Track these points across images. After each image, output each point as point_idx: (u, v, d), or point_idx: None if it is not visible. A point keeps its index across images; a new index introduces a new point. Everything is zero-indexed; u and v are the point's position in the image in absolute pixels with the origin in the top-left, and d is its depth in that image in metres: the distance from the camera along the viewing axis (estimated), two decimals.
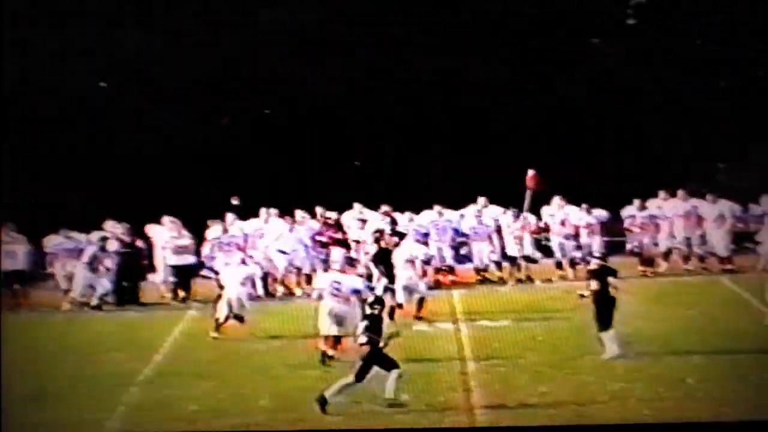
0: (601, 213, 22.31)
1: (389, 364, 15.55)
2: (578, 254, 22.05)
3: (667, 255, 22.29)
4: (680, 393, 15.51)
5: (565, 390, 15.84)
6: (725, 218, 22.07)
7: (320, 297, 18.00)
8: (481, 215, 22.32)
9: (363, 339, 15.61)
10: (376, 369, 15.51)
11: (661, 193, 22.62)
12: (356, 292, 17.92)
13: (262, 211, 22.35)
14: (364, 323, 15.72)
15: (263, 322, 19.67)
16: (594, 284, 17.27)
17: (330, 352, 17.60)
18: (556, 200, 22.35)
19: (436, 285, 21.01)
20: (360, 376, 15.50)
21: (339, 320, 17.72)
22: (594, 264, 17.81)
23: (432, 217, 22.34)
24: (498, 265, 22.09)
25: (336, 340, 17.68)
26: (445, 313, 19.91)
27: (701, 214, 22.32)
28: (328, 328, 17.71)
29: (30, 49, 23.00)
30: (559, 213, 22.33)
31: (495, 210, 22.45)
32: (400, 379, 15.56)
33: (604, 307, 17.17)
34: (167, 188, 22.57)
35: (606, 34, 25.95)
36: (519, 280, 21.86)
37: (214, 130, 23.91)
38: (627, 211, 22.48)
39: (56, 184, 22.34)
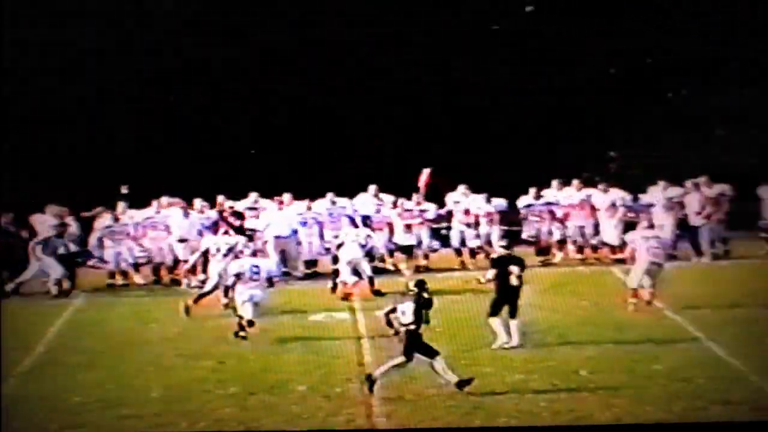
0: (500, 202, 22.34)
1: (430, 351, 15.44)
2: (477, 243, 22.08)
3: (561, 245, 22.42)
4: (574, 384, 15.55)
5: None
6: (616, 207, 22.26)
7: (236, 281, 18.01)
8: (382, 204, 22.20)
9: (410, 319, 15.46)
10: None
11: (555, 183, 22.72)
12: (271, 275, 18.21)
13: (163, 199, 22.08)
14: (409, 306, 15.53)
15: (155, 311, 19.28)
16: (491, 273, 17.26)
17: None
18: (461, 188, 22.32)
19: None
20: (408, 355, 15.41)
21: (252, 304, 17.86)
22: (497, 252, 17.77)
23: (326, 205, 22.13)
24: (391, 253, 21.96)
25: (249, 324, 17.72)
26: (342, 303, 19.76)
27: (594, 203, 22.48)
28: (245, 311, 17.80)
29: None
30: (464, 201, 22.31)
31: (388, 198, 22.34)
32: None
33: (502, 296, 17.17)
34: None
35: (506, 23, 26.10)
36: (417, 269, 21.75)
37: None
38: (523, 201, 22.54)
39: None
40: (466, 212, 22.26)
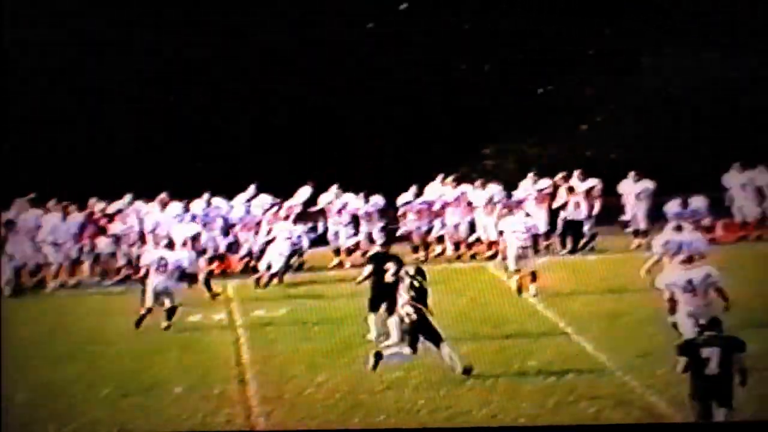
0: (378, 200, 22.44)
1: (435, 336, 15.49)
2: (353, 241, 22.16)
3: (439, 241, 22.63)
4: (451, 382, 15.63)
5: (341, 379, 15.77)
6: (494, 203, 22.52)
7: (146, 274, 18.31)
8: (249, 205, 22.11)
9: (410, 310, 15.49)
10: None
11: (438, 178, 22.92)
12: (180, 267, 18.54)
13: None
14: (410, 294, 15.57)
15: (21, 312, 18.93)
16: (367, 270, 17.33)
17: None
18: (334, 189, 22.35)
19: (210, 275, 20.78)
20: (413, 346, 15.48)
21: (165, 295, 18.10)
22: (373, 250, 17.86)
23: (202, 206, 21.97)
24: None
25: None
26: (219, 303, 19.62)
27: (471, 199, 22.72)
28: (152, 303, 18.05)
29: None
30: (338, 201, 22.35)
31: (264, 199, 22.26)
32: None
33: (378, 293, 17.18)
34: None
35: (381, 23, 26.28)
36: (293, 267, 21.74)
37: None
38: (402, 198, 22.71)
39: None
40: (339, 212, 22.33)
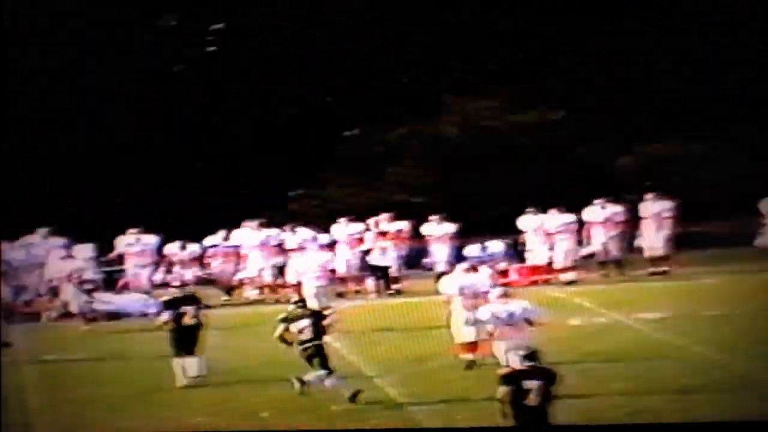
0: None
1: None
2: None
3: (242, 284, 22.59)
4: (256, 427, 15.41)
5: (143, 425, 15.42)
6: (305, 247, 22.51)
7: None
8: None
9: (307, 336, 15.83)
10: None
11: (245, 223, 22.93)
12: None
13: None
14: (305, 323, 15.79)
15: None
16: (165, 314, 17.08)
17: None
18: (132, 231, 22.35)
19: None
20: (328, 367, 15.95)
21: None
22: (169, 294, 17.67)
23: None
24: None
25: None
26: None
27: (281, 242, 22.70)
28: None
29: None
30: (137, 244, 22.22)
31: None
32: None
33: (178, 336, 17.00)
34: None
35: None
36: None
37: None
38: (209, 241, 22.57)
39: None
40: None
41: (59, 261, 21.34)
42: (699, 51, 25.76)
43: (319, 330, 16.01)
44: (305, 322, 15.98)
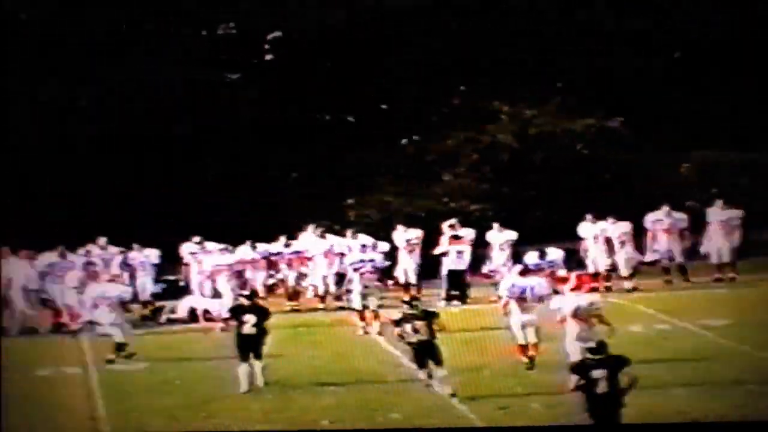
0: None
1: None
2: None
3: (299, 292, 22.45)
4: None
5: None
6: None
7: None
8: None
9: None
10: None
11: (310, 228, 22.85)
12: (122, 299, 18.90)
13: None
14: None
15: None
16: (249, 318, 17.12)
17: None
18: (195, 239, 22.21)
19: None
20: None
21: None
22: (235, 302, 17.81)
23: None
24: None
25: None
26: (72, 357, 18.94)
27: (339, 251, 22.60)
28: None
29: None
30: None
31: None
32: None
33: (241, 344, 17.04)
34: None
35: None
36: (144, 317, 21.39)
37: None
38: (274, 248, 22.53)
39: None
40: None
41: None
42: (761, 59, 25.42)
43: (432, 330, 16.60)
44: (420, 323, 16.59)
